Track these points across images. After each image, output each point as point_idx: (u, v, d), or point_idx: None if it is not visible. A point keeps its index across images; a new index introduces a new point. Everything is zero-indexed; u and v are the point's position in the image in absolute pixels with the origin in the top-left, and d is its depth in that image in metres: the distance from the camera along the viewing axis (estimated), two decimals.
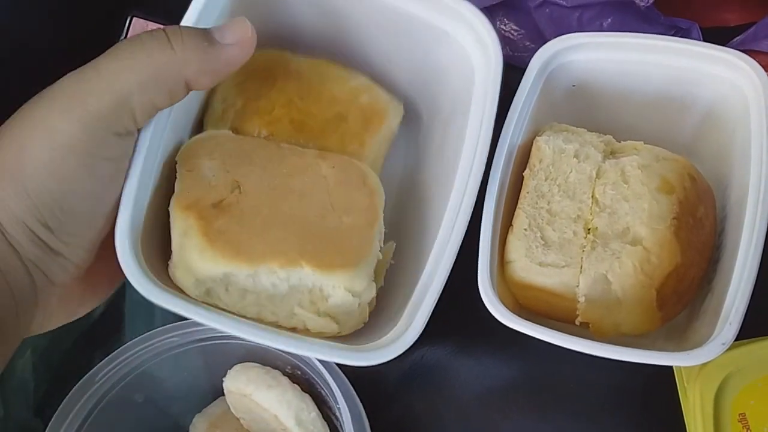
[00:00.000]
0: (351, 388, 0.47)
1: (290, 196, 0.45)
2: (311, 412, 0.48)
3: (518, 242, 0.46)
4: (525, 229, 0.46)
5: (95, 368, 0.49)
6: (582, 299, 0.44)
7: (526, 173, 0.47)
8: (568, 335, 0.42)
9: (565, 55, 0.49)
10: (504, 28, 0.60)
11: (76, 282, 0.40)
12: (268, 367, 0.49)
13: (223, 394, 0.52)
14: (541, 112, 0.49)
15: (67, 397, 0.48)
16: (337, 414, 0.47)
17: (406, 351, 0.55)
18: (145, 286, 0.40)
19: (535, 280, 0.45)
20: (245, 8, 0.47)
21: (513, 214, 0.47)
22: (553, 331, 0.42)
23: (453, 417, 0.55)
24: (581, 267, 0.44)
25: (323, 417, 0.49)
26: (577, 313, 0.44)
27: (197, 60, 0.39)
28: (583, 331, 0.45)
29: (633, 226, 0.44)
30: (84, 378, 0.49)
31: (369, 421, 0.48)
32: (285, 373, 0.49)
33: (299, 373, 0.49)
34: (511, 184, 0.47)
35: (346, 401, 0.45)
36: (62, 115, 0.36)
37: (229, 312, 0.43)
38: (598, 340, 0.42)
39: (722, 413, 0.47)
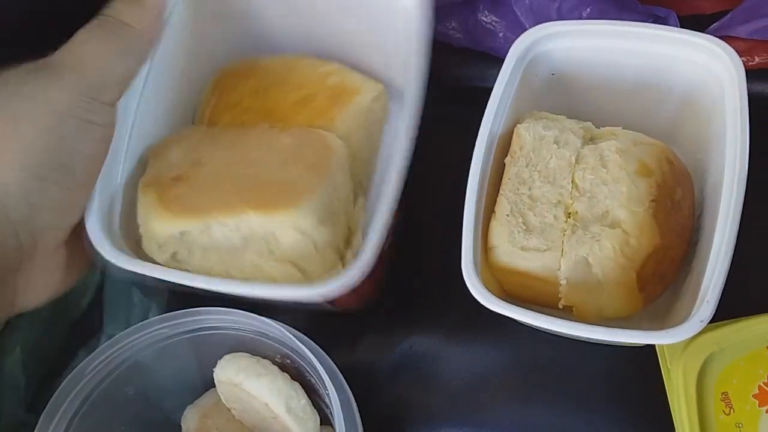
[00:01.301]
0: (340, 375, 0.47)
1: (246, 163, 0.48)
2: (301, 400, 0.48)
3: (500, 228, 0.47)
4: (507, 215, 0.47)
5: (83, 362, 0.49)
6: (564, 282, 0.45)
7: (507, 160, 0.48)
8: (550, 317, 0.43)
9: (543, 43, 0.50)
10: (485, 20, 0.61)
11: (58, 251, 0.44)
12: (258, 357, 0.50)
13: (214, 386, 0.52)
14: (521, 100, 0.50)
15: (56, 392, 0.47)
16: (327, 401, 0.48)
17: (396, 340, 0.56)
18: (111, 252, 0.46)
19: (518, 264, 0.46)
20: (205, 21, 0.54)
21: (496, 201, 0.47)
22: (536, 313, 0.43)
23: (442, 404, 0.56)
24: (562, 250, 0.45)
25: (313, 405, 0.49)
26: (560, 296, 0.45)
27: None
28: (568, 315, 0.46)
29: (612, 210, 0.45)
30: (72, 372, 0.49)
31: (359, 408, 0.48)
32: (275, 362, 0.50)
33: (289, 362, 0.49)
34: (493, 171, 0.48)
35: (335, 388, 0.45)
36: (58, 85, 0.42)
37: None
38: (580, 322, 0.43)
39: (705, 393, 0.48)
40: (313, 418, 0.49)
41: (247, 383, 0.48)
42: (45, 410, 0.47)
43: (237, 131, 0.51)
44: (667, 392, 0.48)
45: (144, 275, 0.46)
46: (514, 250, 0.46)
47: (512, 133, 0.49)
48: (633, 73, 0.51)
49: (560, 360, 0.55)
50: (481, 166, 0.47)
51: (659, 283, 0.47)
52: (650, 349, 0.48)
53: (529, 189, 0.47)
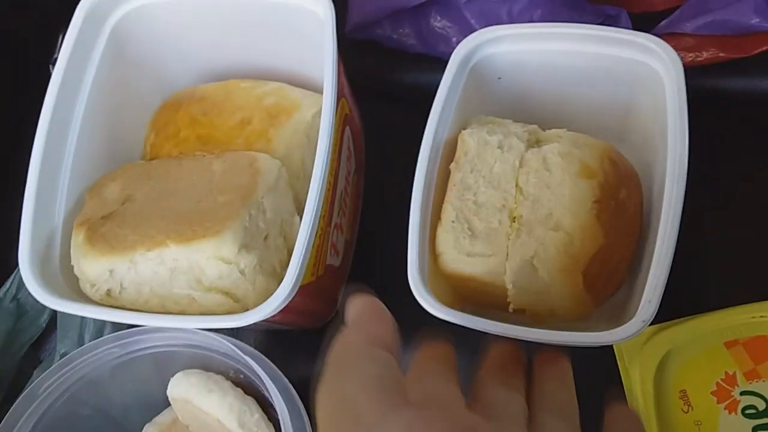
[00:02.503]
0: (292, 389, 0.47)
1: (175, 196, 0.48)
2: (254, 414, 0.48)
3: (446, 234, 0.46)
4: (452, 222, 0.47)
5: (35, 383, 0.49)
6: (510, 286, 0.45)
7: (452, 166, 0.48)
8: (495, 322, 0.43)
9: (486, 47, 0.50)
10: (437, 25, 0.60)
11: None
12: (211, 373, 0.49)
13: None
14: (469, 105, 0.51)
15: (7, 414, 0.46)
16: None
17: None
18: (41, 293, 0.47)
19: (464, 270, 0.46)
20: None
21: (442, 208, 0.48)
22: (482, 319, 0.43)
23: None
24: (507, 255, 0.45)
25: (269, 419, 0.49)
26: (508, 300, 0.45)
27: None
28: (521, 317, 0.46)
29: (555, 212, 0.45)
30: (24, 393, 0.48)
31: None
32: (228, 378, 0.49)
33: (242, 376, 0.49)
34: (440, 178, 0.48)
35: (285, 401, 0.45)
36: None
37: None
38: (528, 325, 0.43)
39: (663, 391, 0.48)
40: None
41: (198, 400, 0.48)
42: None
43: (171, 162, 0.51)
44: (625, 391, 0.48)
45: (80, 315, 0.47)
46: (460, 257, 0.46)
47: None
48: (580, 75, 0.51)
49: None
50: (426, 174, 0.47)
51: (608, 284, 0.47)
52: (609, 348, 0.48)
53: (474, 195, 0.47)
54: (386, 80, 0.65)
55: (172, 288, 0.46)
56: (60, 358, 0.56)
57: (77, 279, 0.48)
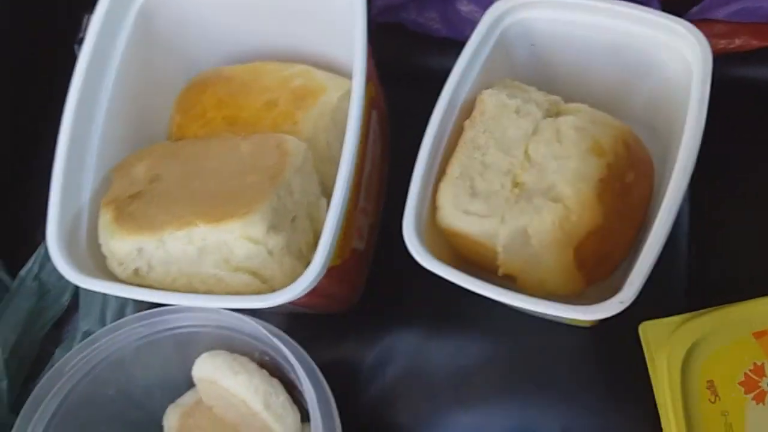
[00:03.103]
0: (318, 371, 0.48)
1: (203, 175, 0.49)
2: (280, 396, 0.49)
3: (448, 189, 0.48)
4: (456, 177, 0.48)
5: (60, 362, 0.50)
6: (500, 249, 0.46)
7: (466, 123, 0.50)
8: (480, 281, 0.45)
9: (519, 11, 0.51)
10: (463, 9, 0.61)
11: None
12: (236, 354, 0.49)
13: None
14: (497, 69, 0.52)
15: (32, 393, 0.48)
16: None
17: (378, 336, 0.55)
18: (70, 272, 0.47)
19: (459, 227, 0.47)
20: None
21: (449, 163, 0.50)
22: (466, 276, 0.45)
23: (426, 398, 0.57)
24: (503, 218, 0.46)
25: (294, 401, 0.49)
26: (498, 263, 0.47)
27: None
28: (511, 284, 0.47)
29: (558, 184, 0.46)
30: (49, 373, 0.49)
31: (342, 405, 0.48)
32: (253, 359, 0.50)
33: (267, 359, 0.50)
34: (454, 136, 0.50)
35: (311, 384, 0.45)
36: None
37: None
38: (514, 291, 0.45)
39: (690, 381, 0.48)
40: (292, 415, 0.50)
41: (224, 381, 0.48)
42: (22, 411, 0.48)
43: (199, 143, 0.53)
44: (652, 381, 0.50)
45: (108, 293, 0.48)
46: (458, 213, 0.47)
47: None
48: (609, 52, 0.52)
49: (543, 349, 0.56)
50: (438, 128, 0.49)
51: (600, 264, 0.49)
52: (635, 338, 0.49)
53: (483, 155, 0.48)
54: (411, 64, 0.66)
55: (199, 268, 0.47)
56: (82, 337, 0.58)
57: (104, 258, 0.50)
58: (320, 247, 0.46)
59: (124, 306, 0.58)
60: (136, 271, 0.48)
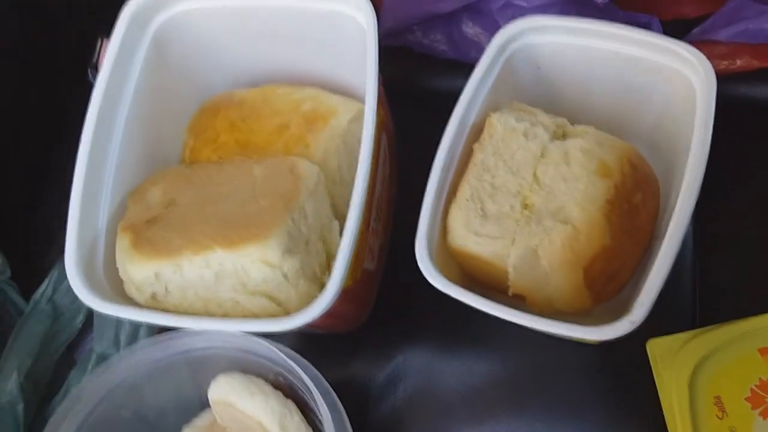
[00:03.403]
0: (332, 391, 0.49)
1: (217, 200, 0.50)
2: (294, 417, 0.49)
3: (459, 212, 0.49)
4: (467, 200, 0.49)
5: (78, 386, 0.51)
6: (511, 269, 0.47)
7: (475, 146, 0.51)
8: (491, 301, 0.46)
9: (527, 35, 0.53)
10: (469, 31, 0.62)
11: None
12: (251, 376, 0.49)
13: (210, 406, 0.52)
14: (504, 91, 0.53)
15: (52, 417, 0.48)
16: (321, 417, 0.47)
17: (389, 355, 0.56)
18: (88, 296, 0.48)
19: (471, 249, 0.48)
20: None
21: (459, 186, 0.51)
22: (477, 296, 0.46)
23: (437, 416, 0.57)
24: (514, 240, 0.47)
25: (308, 421, 0.50)
26: (509, 284, 0.48)
27: None
28: (521, 304, 0.48)
29: (567, 206, 0.47)
30: (67, 396, 0.50)
31: (353, 424, 0.49)
32: (268, 381, 0.50)
33: (282, 379, 0.50)
34: (463, 159, 0.51)
35: (326, 405, 0.46)
36: None
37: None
38: (525, 311, 0.45)
39: (697, 397, 0.49)
40: None
41: (240, 403, 0.49)
42: None
43: (212, 167, 0.54)
44: (660, 397, 0.50)
45: (125, 317, 0.49)
46: (469, 235, 0.48)
47: None
48: (616, 75, 0.53)
49: (552, 366, 0.57)
50: (448, 151, 0.50)
51: (609, 284, 0.49)
52: (643, 354, 0.49)
53: (492, 177, 0.50)
54: (417, 86, 0.67)
55: (216, 292, 0.48)
56: (97, 359, 0.59)
57: (121, 282, 0.51)
58: (336, 270, 0.46)
59: (138, 329, 0.59)
60: (154, 296, 0.49)
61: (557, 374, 0.56)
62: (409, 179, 0.57)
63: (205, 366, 0.52)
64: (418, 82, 0.65)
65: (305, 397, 0.49)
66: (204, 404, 0.54)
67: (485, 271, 0.49)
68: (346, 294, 0.48)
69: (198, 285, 0.48)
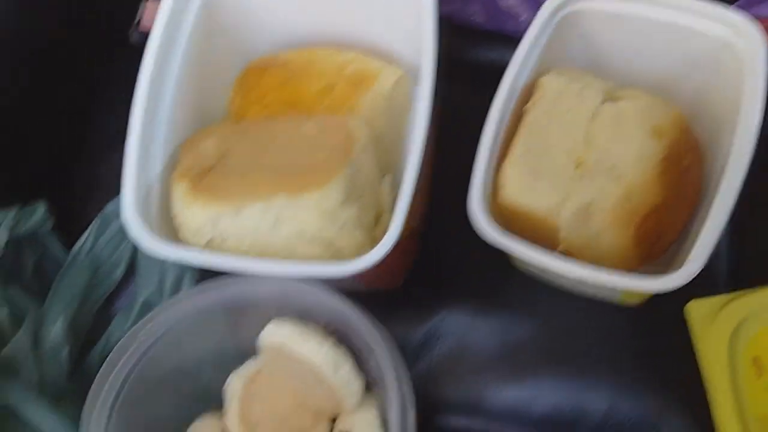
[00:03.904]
0: (389, 336, 0.49)
1: (272, 152, 0.51)
2: (347, 364, 0.49)
3: (512, 168, 0.50)
4: (520, 156, 0.50)
5: (126, 336, 0.50)
6: (564, 227, 0.48)
7: (528, 106, 0.52)
8: (548, 253, 0.47)
9: (576, 2, 0.53)
10: (506, 3, 0.63)
11: None
12: (303, 322, 0.50)
13: (257, 354, 0.53)
14: (553, 56, 0.54)
15: (101, 368, 0.49)
16: (372, 365, 0.49)
17: (427, 314, 0.56)
18: (149, 241, 0.49)
19: (522, 205, 0.49)
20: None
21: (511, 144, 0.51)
22: (534, 248, 0.47)
23: (475, 374, 0.58)
24: (566, 197, 0.48)
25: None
26: (559, 241, 0.49)
27: None
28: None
29: (620, 165, 0.48)
30: (116, 347, 0.50)
31: None
32: (318, 327, 0.50)
33: (333, 327, 0.50)
34: (515, 118, 0.52)
35: (387, 349, 0.47)
36: None
37: None
38: (589, 264, 0.46)
39: (736, 358, 0.50)
40: (358, 382, 0.51)
41: (294, 348, 0.49)
42: (88, 397, 0.48)
43: (263, 123, 0.55)
44: (699, 358, 0.51)
45: (182, 261, 0.50)
46: (522, 191, 0.49)
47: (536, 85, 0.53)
48: (663, 42, 0.54)
49: (590, 329, 0.58)
50: (501, 109, 0.50)
51: (656, 244, 0.50)
52: (680, 317, 0.50)
53: (545, 136, 0.50)
54: (454, 58, 0.67)
55: (273, 239, 0.49)
56: (141, 307, 0.60)
57: (174, 232, 0.52)
58: (396, 215, 0.47)
59: (182, 277, 0.60)
60: (210, 243, 0.50)
61: (595, 337, 0.57)
62: (447, 145, 0.58)
63: (250, 314, 0.52)
64: (455, 54, 0.65)
65: (355, 345, 0.50)
66: (243, 356, 0.54)
67: (534, 229, 0.50)
68: (395, 247, 0.49)
69: (255, 232, 0.49)
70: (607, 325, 0.57)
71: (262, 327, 0.52)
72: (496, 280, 0.59)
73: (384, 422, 0.51)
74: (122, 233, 0.62)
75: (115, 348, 0.50)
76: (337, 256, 0.49)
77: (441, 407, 0.57)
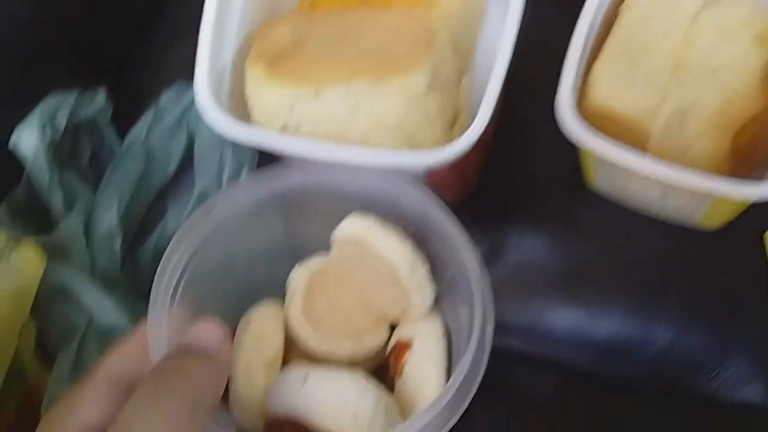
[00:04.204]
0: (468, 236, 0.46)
1: (349, 40, 0.49)
2: (423, 268, 0.48)
3: (605, 68, 0.48)
4: (613, 58, 0.48)
5: (184, 226, 0.46)
6: (657, 131, 0.46)
7: (623, 6, 0.50)
8: (640, 155, 0.45)
9: None
10: None
11: None
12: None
13: (320, 250, 0.50)
14: None
15: (161, 260, 0.45)
16: (449, 273, 0.46)
17: (489, 230, 0.58)
18: (222, 121, 0.48)
19: (615, 108, 0.47)
20: None
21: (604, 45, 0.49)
22: (625, 149, 0.45)
23: (532, 295, 0.56)
24: (662, 100, 0.46)
25: None
26: (648, 147, 0.47)
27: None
28: None
29: (721, 69, 0.46)
30: (175, 236, 0.46)
31: None
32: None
33: (413, 228, 0.47)
34: (608, 18, 0.50)
35: (474, 252, 0.44)
36: None
37: None
38: (668, 164, 0.44)
39: None
40: (431, 289, 0.48)
41: (373, 242, 0.47)
42: (156, 276, 0.44)
43: (338, 13, 0.53)
44: None
45: (256, 144, 0.49)
46: (615, 92, 0.47)
47: None
48: None
49: (663, 252, 0.55)
50: (595, 9, 0.48)
51: (750, 156, 0.48)
52: (756, 245, 0.49)
53: (642, 37, 0.48)
54: None
55: (350, 128, 0.47)
56: (198, 196, 0.58)
57: (246, 117, 0.50)
58: (483, 108, 0.45)
59: (241, 166, 0.58)
60: (284, 128, 0.48)
61: (664, 264, 0.55)
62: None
63: (317, 206, 0.48)
64: None
65: (434, 252, 0.47)
66: (305, 249, 0.51)
67: (623, 134, 0.47)
68: (472, 149, 0.46)
69: (332, 118, 0.47)
70: (680, 252, 0.55)
71: (329, 221, 0.49)
72: (565, 198, 0.57)
73: (448, 335, 0.49)
74: (177, 126, 0.60)
75: (175, 236, 0.46)
76: (416, 148, 0.47)
77: (496, 328, 0.56)
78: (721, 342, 0.53)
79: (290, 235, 0.52)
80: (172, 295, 0.44)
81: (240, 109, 0.51)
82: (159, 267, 0.45)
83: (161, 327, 0.42)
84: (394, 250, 0.46)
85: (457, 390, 0.41)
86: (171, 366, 0.38)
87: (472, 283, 0.44)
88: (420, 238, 0.48)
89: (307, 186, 0.48)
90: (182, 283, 0.46)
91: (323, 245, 0.50)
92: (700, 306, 0.54)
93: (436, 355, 0.47)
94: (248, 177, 0.52)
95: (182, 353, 0.39)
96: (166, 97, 0.61)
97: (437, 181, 0.49)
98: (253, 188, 0.48)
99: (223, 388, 0.40)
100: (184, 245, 0.46)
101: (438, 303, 0.49)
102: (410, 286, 0.47)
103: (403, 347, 0.48)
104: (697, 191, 0.45)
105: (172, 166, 0.60)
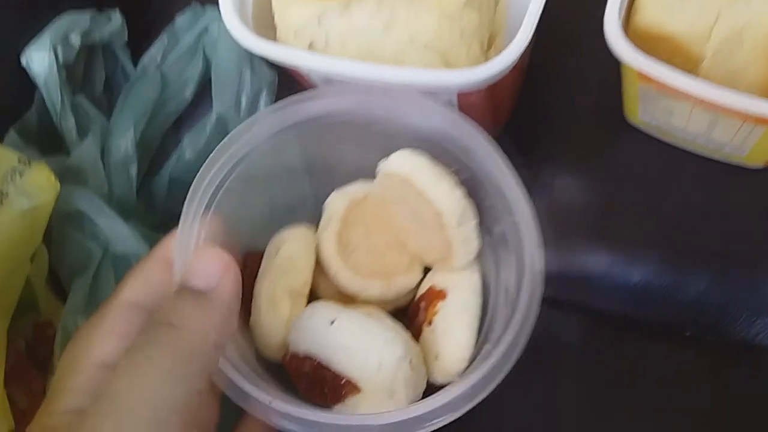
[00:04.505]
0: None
1: None
2: (473, 220, 0.45)
3: None
4: None
5: (212, 156, 0.44)
6: (709, 53, 0.44)
7: None
8: (693, 78, 0.42)
9: None
10: None
11: None
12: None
13: (360, 178, 0.49)
14: None
15: (192, 184, 0.43)
16: (498, 229, 0.44)
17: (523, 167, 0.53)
18: (248, 37, 0.46)
19: (665, 27, 0.45)
20: None
21: None
22: (677, 71, 0.42)
23: (565, 234, 0.53)
24: (717, 19, 0.44)
25: None
26: (698, 71, 0.44)
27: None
28: None
29: None
30: (202, 168, 0.44)
31: None
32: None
33: (466, 175, 0.45)
34: None
35: (531, 209, 0.42)
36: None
37: None
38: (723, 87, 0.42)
39: None
40: (476, 243, 0.46)
41: (423, 184, 0.44)
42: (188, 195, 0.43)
43: None
44: None
45: (282, 62, 0.47)
46: (666, 11, 0.44)
47: None
48: None
49: (705, 193, 0.53)
50: None
51: None
52: None
53: None
54: None
55: (382, 45, 0.45)
56: (216, 121, 0.56)
57: (271, 33, 0.48)
58: (525, 26, 0.43)
59: (259, 92, 0.56)
60: (311, 45, 0.46)
61: (706, 206, 0.52)
62: None
63: (355, 132, 0.46)
64: None
65: (487, 204, 0.44)
66: (344, 178, 0.49)
67: (671, 58, 0.45)
68: (510, 73, 0.44)
69: (363, 34, 0.45)
70: (722, 194, 0.52)
71: (372, 148, 0.46)
72: (604, 135, 0.55)
73: (485, 289, 0.47)
74: (193, 50, 0.58)
75: (202, 168, 0.44)
76: (442, 61, 0.45)
77: None
78: (760, 287, 0.51)
79: (327, 160, 0.49)
80: (206, 206, 0.43)
81: (263, 31, 0.49)
82: (197, 176, 0.43)
83: (190, 240, 0.41)
84: (444, 196, 0.44)
85: (493, 367, 0.39)
86: (159, 320, 0.35)
87: (526, 247, 0.42)
88: (473, 186, 0.45)
89: (354, 109, 0.45)
90: (218, 195, 0.44)
91: (364, 173, 0.48)
92: (739, 256, 0.51)
93: (471, 310, 0.46)
94: (290, 98, 0.47)
95: (175, 298, 0.36)
96: (182, 20, 0.59)
97: (470, 108, 0.46)
98: (295, 108, 0.45)
99: (231, 323, 0.38)
100: (228, 155, 0.44)
101: (479, 256, 0.47)
102: (456, 236, 0.45)
103: (436, 296, 0.47)
104: (751, 117, 0.43)
105: (189, 91, 0.58)
